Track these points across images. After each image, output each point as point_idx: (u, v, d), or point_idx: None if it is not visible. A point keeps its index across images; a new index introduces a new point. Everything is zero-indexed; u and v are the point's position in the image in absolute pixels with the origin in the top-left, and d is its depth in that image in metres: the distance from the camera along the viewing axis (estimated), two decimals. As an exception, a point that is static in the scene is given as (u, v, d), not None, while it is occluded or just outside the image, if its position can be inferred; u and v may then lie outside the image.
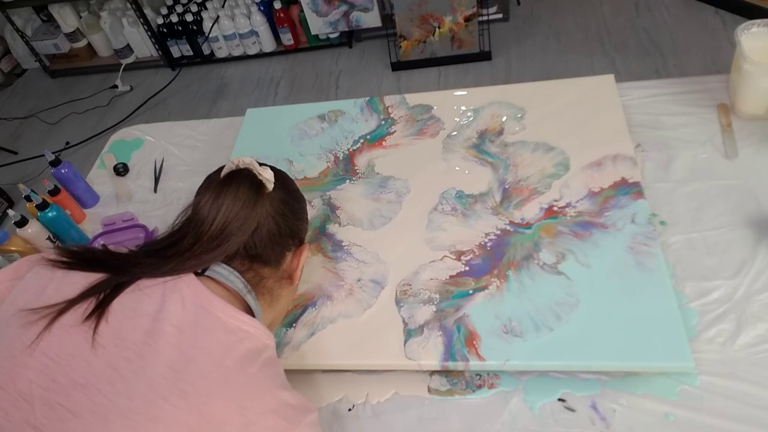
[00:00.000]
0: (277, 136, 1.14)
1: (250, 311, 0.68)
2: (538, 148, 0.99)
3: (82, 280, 0.62)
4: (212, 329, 0.60)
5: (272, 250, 0.72)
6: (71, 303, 0.60)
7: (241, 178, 0.69)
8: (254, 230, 0.68)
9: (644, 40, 2.25)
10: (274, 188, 0.72)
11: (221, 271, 0.66)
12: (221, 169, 0.72)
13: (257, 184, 0.70)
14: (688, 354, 0.70)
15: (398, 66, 2.44)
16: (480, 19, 2.27)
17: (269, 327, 0.76)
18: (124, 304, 0.60)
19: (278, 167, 0.83)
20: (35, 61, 2.97)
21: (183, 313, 0.60)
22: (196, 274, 0.65)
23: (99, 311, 0.59)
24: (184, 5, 2.68)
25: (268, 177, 0.71)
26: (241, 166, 0.70)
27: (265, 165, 0.73)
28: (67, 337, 0.58)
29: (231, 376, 0.57)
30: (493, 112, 1.08)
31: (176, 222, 0.70)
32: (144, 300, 0.61)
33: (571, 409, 0.73)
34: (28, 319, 0.59)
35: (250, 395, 0.57)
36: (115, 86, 2.77)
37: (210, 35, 2.63)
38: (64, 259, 0.66)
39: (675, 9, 2.34)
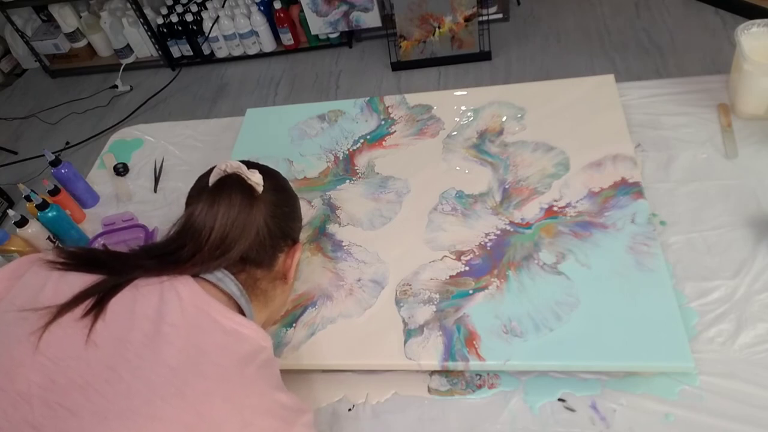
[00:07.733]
0: (277, 136, 1.14)
1: (243, 314, 0.68)
2: (538, 148, 0.99)
3: (80, 280, 0.62)
4: (210, 330, 0.60)
5: (265, 253, 0.72)
6: (70, 303, 0.60)
7: (232, 184, 0.68)
8: (255, 235, 0.68)
9: (644, 40, 2.25)
10: (264, 191, 0.71)
11: (216, 273, 0.66)
12: (209, 172, 0.71)
13: (248, 188, 0.69)
14: (688, 354, 0.69)
15: (398, 66, 2.44)
16: (480, 19, 2.27)
17: (264, 325, 0.77)
18: (121, 304, 0.60)
19: (277, 167, 0.83)
20: (35, 61, 2.97)
21: (180, 313, 0.60)
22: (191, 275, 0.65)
23: (96, 311, 0.59)
24: (184, 5, 2.68)
25: (257, 180, 0.70)
26: (229, 171, 0.70)
27: (253, 168, 0.72)
28: (65, 337, 0.58)
29: (229, 377, 0.57)
30: (493, 112, 1.08)
31: (171, 231, 0.69)
32: (141, 300, 0.61)
33: (571, 409, 0.73)
34: (26, 319, 0.59)
35: (247, 396, 0.57)
36: (115, 86, 2.77)
37: (210, 35, 2.63)
38: (63, 259, 0.66)
39: (675, 9, 2.34)
